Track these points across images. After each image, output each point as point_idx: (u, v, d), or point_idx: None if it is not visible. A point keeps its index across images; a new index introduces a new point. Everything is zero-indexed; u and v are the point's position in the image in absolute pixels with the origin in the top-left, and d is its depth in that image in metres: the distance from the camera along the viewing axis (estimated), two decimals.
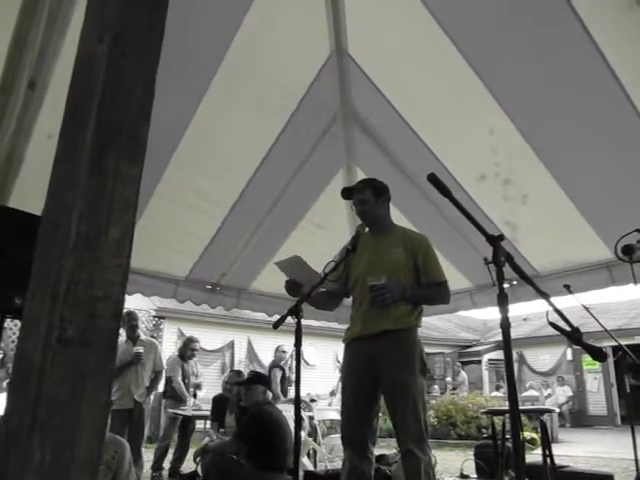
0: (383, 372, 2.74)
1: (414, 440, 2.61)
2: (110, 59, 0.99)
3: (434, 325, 17.39)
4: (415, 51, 3.30)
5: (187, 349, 6.64)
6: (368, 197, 3.00)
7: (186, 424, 6.13)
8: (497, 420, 4.59)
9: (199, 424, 6.56)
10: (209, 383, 8.20)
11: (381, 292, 2.75)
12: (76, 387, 0.86)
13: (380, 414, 2.92)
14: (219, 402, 5.44)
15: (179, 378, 6.27)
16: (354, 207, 3.07)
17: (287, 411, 4.49)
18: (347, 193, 3.09)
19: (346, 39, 3.44)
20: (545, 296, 1.77)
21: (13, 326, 9.78)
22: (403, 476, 2.68)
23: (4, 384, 7.67)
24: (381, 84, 3.53)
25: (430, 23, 2.96)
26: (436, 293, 2.98)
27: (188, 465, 5.74)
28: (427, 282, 2.92)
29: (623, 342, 3.39)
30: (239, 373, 5.93)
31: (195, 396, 6.40)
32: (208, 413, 5.74)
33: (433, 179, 1.71)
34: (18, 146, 3.13)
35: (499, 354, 17.78)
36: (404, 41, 3.27)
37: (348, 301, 3.18)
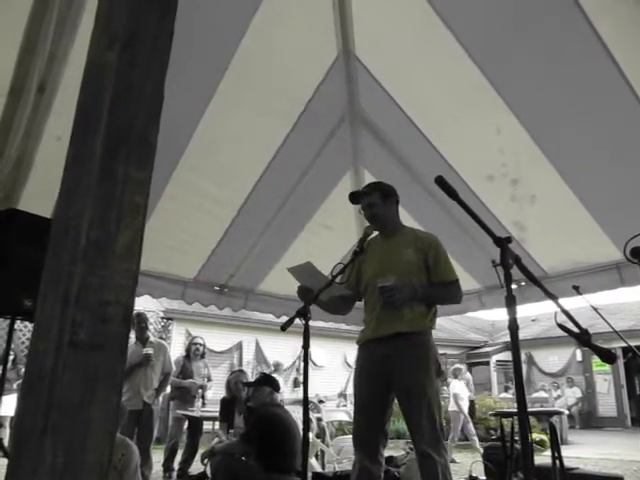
0: (397, 375, 2.73)
1: (430, 443, 2.60)
2: (120, 65, 1.00)
3: (442, 326, 17.33)
4: (422, 52, 3.30)
5: (190, 347, 6.72)
6: (375, 201, 2.98)
7: (194, 425, 6.15)
8: (506, 422, 4.57)
9: (208, 425, 6.57)
10: (217, 384, 8.22)
11: (391, 293, 2.74)
12: (87, 390, 0.87)
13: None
14: (227, 403, 5.45)
15: (172, 375, 6.28)
16: (362, 211, 3.06)
17: (295, 412, 4.50)
18: (355, 198, 3.08)
19: (353, 41, 3.44)
20: (553, 298, 1.76)
21: (23, 327, 9.85)
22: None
23: (15, 385, 7.73)
24: (388, 86, 3.53)
25: (437, 24, 2.96)
26: (447, 292, 2.96)
27: (197, 466, 5.75)
28: (438, 281, 2.91)
29: (633, 343, 3.36)
30: (242, 371, 5.93)
31: (203, 397, 6.42)
32: (217, 414, 5.76)
33: (440, 182, 1.71)
34: (28, 149, 3.15)
35: (508, 355, 17.69)
36: (411, 42, 3.27)
37: (359, 303, 3.19)
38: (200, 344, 6.77)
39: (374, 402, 2.80)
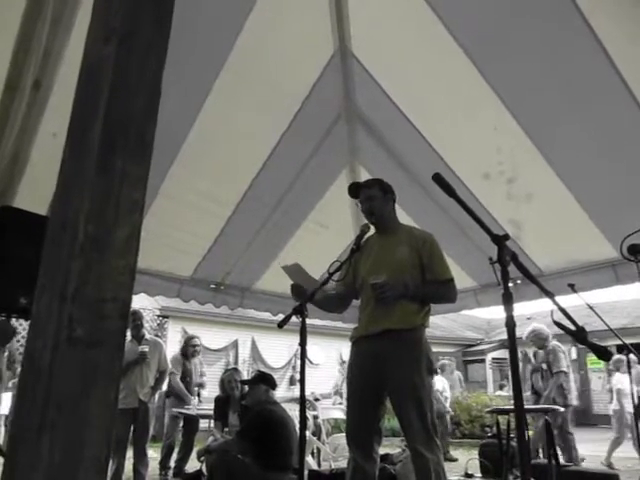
0: (389, 372, 2.73)
1: (422, 440, 2.61)
2: (117, 60, 0.99)
3: (437, 324, 17.35)
4: (419, 50, 3.30)
5: (188, 347, 6.69)
6: (375, 193, 2.99)
7: (190, 423, 6.14)
8: (501, 419, 4.58)
9: (204, 423, 6.57)
10: (213, 382, 8.19)
11: (382, 290, 2.74)
12: (84, 387, 0.86)
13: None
14: (221, 401, 5.45)
15: (178, 377, 6.28)
16: (361, 204, 3.05)
17: (292, 410, 4.50)
18: (355, 190, 3.08)
19: (350, 38, 3.44)
20: (550, 295, 1.77)
21: (18, 325, 9.80)
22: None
23: (10, 384, 7.69)
24: (385, 83, 3.53)
25: (433, 22, 2.96)
26: (441, 291, 2.95)
27: (192, 464, 5.75)
28: (432, 279, 2.90)
29: (628, 341, 3.38)
30: (236, 370, 5.93)
31: (199, 395, 6.41)
32: (212, 412, 5.75)
33: (438, 179, 1.71)
34: (23, 146, 3.13)
35: (503, 353, 17.75)
36: (408, 40, 3.27)
37: (355, 301, 3.18)
38: (197, 343, 6.76)
39: (366, 399, 2.80)
